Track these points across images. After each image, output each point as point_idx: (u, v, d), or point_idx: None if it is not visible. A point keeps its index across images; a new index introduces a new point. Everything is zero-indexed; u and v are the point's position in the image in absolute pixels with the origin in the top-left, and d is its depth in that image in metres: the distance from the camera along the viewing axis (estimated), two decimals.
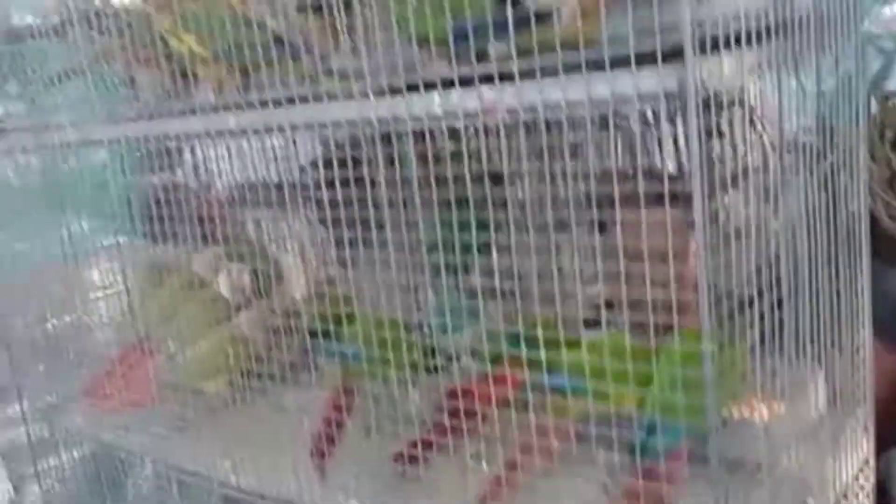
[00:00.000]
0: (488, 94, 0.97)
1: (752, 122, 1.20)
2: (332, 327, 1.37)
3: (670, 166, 1.59)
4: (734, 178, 1.02)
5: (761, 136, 1.25)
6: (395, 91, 1.07)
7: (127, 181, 1.70)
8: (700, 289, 0.86)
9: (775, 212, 1.10)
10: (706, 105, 0.84)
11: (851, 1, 1.15)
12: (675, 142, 1.59)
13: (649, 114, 1.52)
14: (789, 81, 1.11)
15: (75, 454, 1.98)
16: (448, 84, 1.01)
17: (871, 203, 1.80)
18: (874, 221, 1.59)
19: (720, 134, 1.08)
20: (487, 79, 0.98)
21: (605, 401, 1.10)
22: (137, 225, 1.76)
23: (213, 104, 1.29)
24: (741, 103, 1.11)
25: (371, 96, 1.09)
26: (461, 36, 1.01)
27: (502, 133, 1.13)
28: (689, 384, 0.97)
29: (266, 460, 1.42)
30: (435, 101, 1.02)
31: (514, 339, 1.18)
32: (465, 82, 1.00)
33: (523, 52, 0.94)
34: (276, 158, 1.70)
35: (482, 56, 1.00)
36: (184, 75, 1.37)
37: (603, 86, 0.89)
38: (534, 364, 1.12)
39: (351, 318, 1.39)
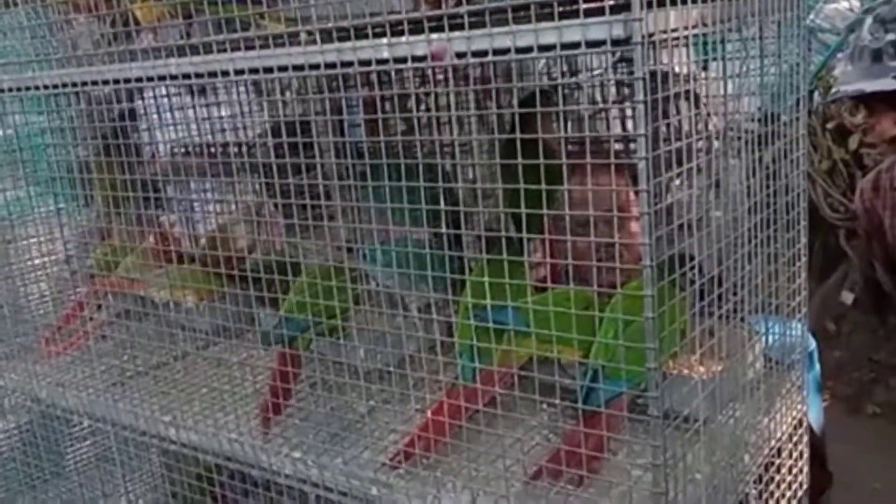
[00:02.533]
0: (437, 40, 0.96)
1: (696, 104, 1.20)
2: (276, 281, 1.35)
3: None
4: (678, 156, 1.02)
5: (705, 120, 1.26)
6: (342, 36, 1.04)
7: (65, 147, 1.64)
8: (644, 234, 0.86)
9: (716, 191, 1.11)
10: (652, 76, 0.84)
11: None
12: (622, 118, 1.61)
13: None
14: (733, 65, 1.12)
15: (11, 422, 1.93)
16: (396, 29, 0.99)
17: (812, 192, 1.83)
18: (814, 209, 1.62)
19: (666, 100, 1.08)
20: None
21: (549, 347, 1.12)
22: (77, 191, 1.69)
23: (154, 49, 1.24)
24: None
25: (318, 41, 1.06)
26: None
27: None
28: (632, 335, 0.98)
29: (208, 416, 1.40)
30: (383, 47, 1.00)
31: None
32: (414, 29, 0.98)
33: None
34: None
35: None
36: (123, 20, 1.32)
37: (552, 34, 0.87)
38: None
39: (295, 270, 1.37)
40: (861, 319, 3.86)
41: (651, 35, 0.85)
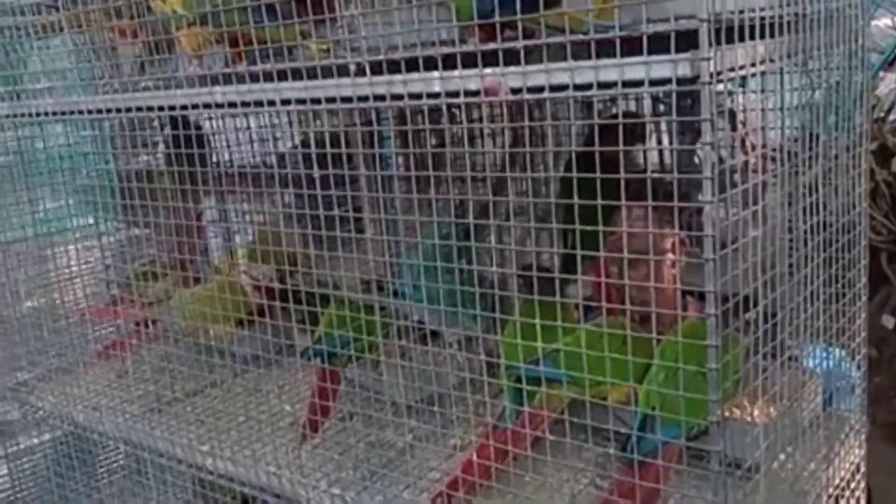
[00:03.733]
0: (492, 75, 0.93)
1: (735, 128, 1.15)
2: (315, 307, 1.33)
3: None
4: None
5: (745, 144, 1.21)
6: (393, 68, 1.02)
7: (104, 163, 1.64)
8: (708, 279, 0.82)
9: (758, 219, 1.06)
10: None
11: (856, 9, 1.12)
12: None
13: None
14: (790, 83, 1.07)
15: (47, 436, 1.93)
16: (449, 63, 0.96)
17: None
18: None
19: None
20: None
21: (600, 390, 1.08)
22: (112, 207, 1.70)
23: (200, 76, 1.23)
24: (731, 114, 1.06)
25: (368, 72, 1.03)
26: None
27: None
28: (689, 379, 0.93)
29: (245, 446, 1.37)
30: (435, 80, 0.97)
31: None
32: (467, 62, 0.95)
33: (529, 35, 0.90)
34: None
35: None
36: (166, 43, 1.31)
37: (613, 71, 0.84)
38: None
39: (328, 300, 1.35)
40: None
41: (718, 73, 0.81)
